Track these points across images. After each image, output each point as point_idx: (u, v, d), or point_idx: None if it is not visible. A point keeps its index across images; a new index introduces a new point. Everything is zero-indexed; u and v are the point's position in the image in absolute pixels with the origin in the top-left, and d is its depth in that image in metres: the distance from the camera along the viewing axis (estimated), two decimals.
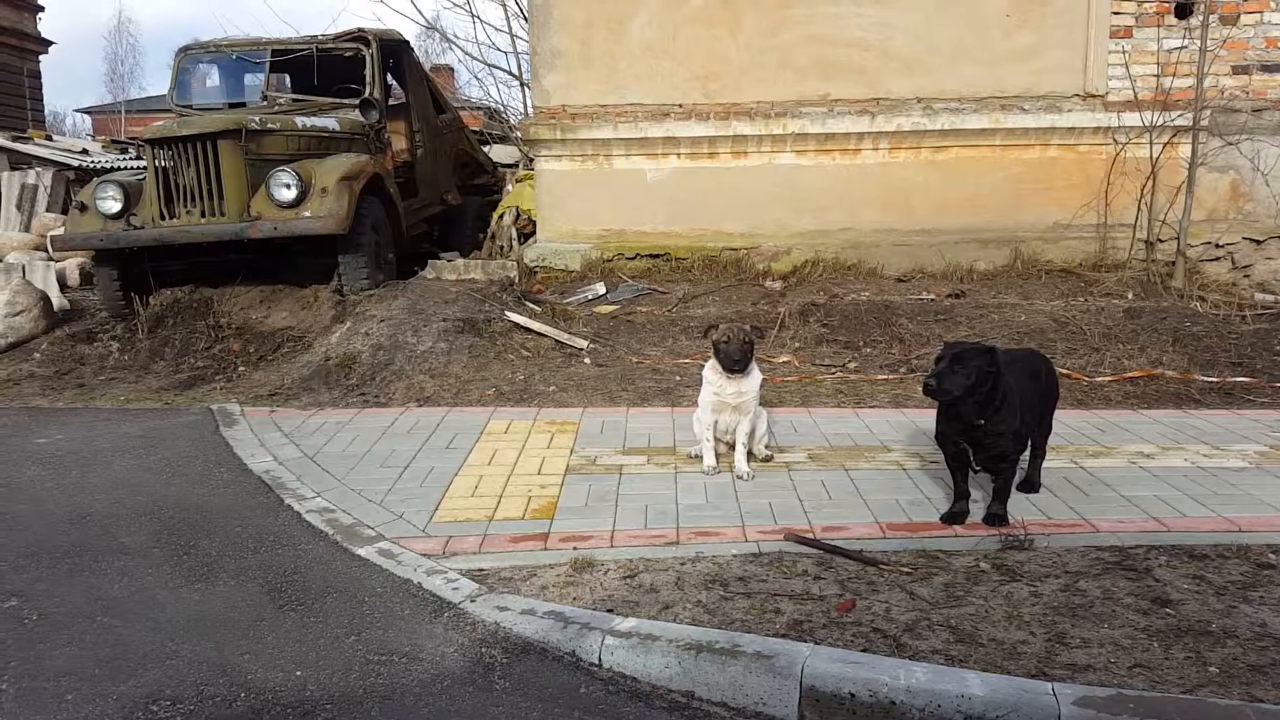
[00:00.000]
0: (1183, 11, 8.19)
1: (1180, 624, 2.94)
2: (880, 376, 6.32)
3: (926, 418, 5.37)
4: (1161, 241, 8.17)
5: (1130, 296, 7.57)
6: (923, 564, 3.41)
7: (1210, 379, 6.11)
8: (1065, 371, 6.22)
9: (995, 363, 3.54)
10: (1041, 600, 3.11)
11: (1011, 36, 8.25)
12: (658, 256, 8.62)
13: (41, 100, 21.32)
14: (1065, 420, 5.29)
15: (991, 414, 3.58)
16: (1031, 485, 4.14)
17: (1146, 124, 8.01)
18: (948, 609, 3.06)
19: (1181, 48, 8.12)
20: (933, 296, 7.57)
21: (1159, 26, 8.19)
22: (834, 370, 6.50)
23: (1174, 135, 8.07)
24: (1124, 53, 8.21)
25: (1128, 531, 3.70)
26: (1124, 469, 4.49)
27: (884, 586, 3.23)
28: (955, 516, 3.79)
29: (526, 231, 9.72)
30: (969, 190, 8.41)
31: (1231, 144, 8.15)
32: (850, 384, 6.17)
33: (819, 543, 3.58)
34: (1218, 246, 8.34)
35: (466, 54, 21.15)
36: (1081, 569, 3.36)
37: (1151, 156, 8.03)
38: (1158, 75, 8.17)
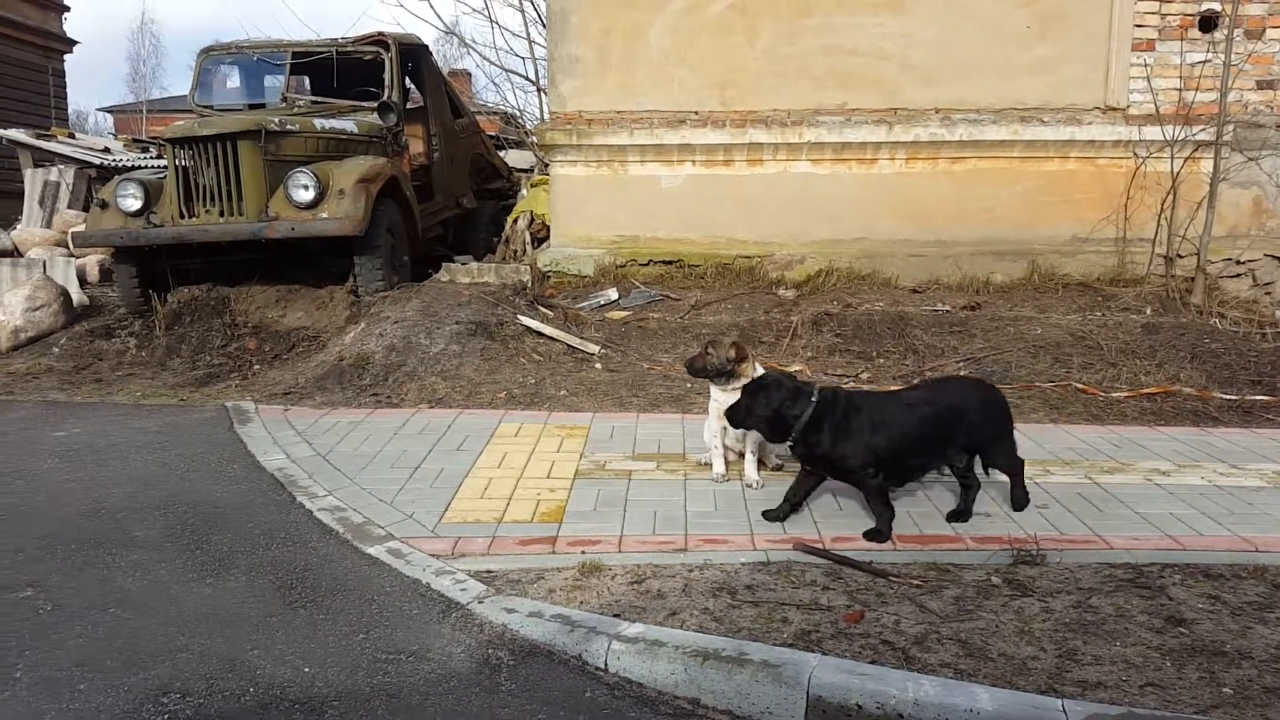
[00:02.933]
0: (1207, 25, 8.13)
1: (1194, 643, 2.91)
2: (894, 388, 6.28)
3: None
4: (1181, 257, 8.11)
5: (1148, 312, 7.51)
6: (933, 577, 3.39)
7: (1229, 397, 6.05)
8: (1081, 386, 6.18)
9: (788, 398, 3.75)
10: (1053, 616, 3.09)
11: (1032, 48, 8.22)
12: (671, 263, 8.62)
13: (65, 99, 21.53)
14: (1080, 435, 5.27)
15: (814, 438, 3.74)
16: (1018, 504, 4.05)
17: (1168, 138, 7.94)
18: (957, 622, 3.04)
19: (1205, 61, 8.06)
20: (948, 308, 7.54)
21: (1182, 40, 8.14)
22: (847, 380, 6.47)
23: (1196, 150, 8.01)
24: (1146, 66, 8.16)
25: (1142, 549, 3.67)
26: (1139, 486, 4.45)
27: (893, 598, 3.21)
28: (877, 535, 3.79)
29: (540, 236, 9.74)
30: (986, 202, 8.38)
31: (1254, 160, 8.08)
32: None
33: (828, 553, 3.57)
34: (1238, 263, 8.27)
35: (484, 59, 21.32)
36: (1094, 585, 3.33)
37: (1172, 171, 7.96)
38: (1180, 89, 8.11)
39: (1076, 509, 4.11)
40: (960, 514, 3.98)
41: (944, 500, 4.19)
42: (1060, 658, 2.82)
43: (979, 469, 4.03)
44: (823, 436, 3.73)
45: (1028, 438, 5.20)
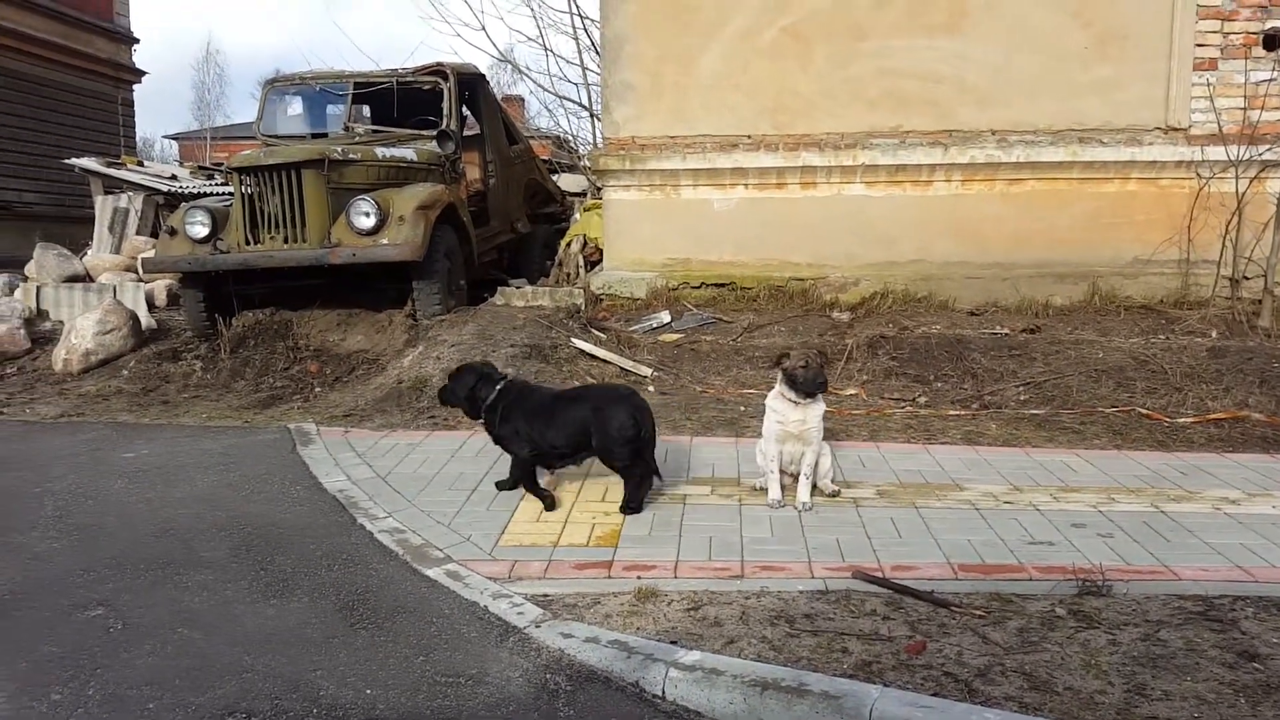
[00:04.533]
0: (1271, 43, 7.95)
1: (1269, 680, 2.81)
2: (951, 412, 6.20)
3: (1000, 456, 5.28)
4: (1247, 279, 7.88)
5: (1214, 335, 7.32)
6: (996, 607, 3.32)
7: None
8: (1145, 411, 6.03)
9: (478, 382, 4.50)
10: (1120, 649, 3.01)
11: (1090, 69, 8.11)
12: (723, 286, 8.63)
13: (134, 128, 22.31)
14: (1145, 462, 5.14)
15: (490, 418, 4.48)
16: (627, 505, 4.32)
17: (1232, 158, 7.76)
18: (1022, 654, 2.98)
19: (1270, 80, 7.88)
20: (1006, 331, 7.42)
21: (1246, 59, 7.97)
22: (903, 404, 6.40)
23: (1261, 170, 7.81)
24: (1208, 85, 8.00)
25: (1212, 580, 3.56)
26: (1207, 515, 4.32)
27: (955, 629, 3.16)
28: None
29: (593, 259, 9.84)
30: (1045, 223, 8.26)
31: None
32: (920, 419, 6.07)
33: (888, 582, 3.53)
34: None
35: (538, 85, 21.53)
36: (1163, 618, 3.24)
37: (1237, 191, 7.77)
38: (1244, 108, 7.94)
39: (1143, 538, 4.01)
40: (626, 504, 4.31)
41: (1006, 529, 4.12)
42: (1129, 692, 2.75)
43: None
44: (495, 418, 4.44)
45: (1090, 464, 5.10)
